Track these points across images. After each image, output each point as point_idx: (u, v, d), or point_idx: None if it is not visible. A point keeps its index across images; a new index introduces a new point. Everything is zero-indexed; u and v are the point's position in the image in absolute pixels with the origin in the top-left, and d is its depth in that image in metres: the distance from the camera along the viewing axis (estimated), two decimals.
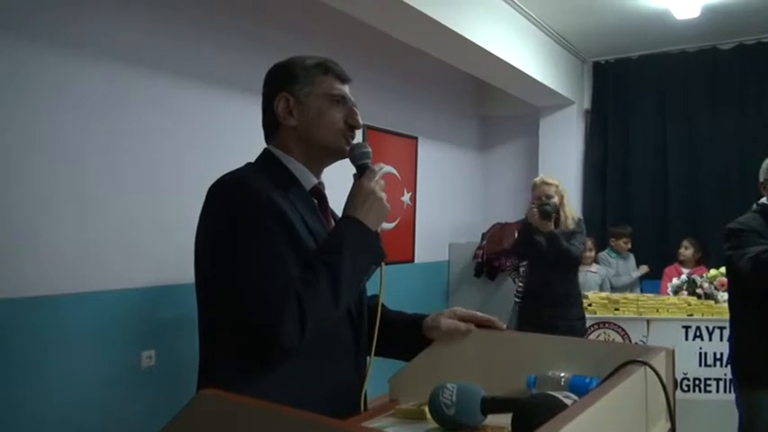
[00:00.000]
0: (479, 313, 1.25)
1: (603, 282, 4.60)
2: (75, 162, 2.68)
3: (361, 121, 1.24)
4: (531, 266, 3.55)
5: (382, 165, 1.22)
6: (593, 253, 4.64)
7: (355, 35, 4.09)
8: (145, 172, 2.96)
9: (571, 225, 3.35)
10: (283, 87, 1.21)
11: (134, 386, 2.88)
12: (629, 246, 4.84)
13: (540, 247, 3.25)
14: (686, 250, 4.63)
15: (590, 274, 4.53)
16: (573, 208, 3.51)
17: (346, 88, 1.24)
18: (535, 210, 3.27)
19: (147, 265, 2.95)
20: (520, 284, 4.53)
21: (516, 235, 3.80)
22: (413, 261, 5.04)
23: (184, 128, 3.14)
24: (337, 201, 1.27)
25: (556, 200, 3.32)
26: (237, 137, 3.29)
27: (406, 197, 4.99)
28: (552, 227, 3.26)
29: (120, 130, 2.85)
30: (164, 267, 2.98)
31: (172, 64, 3.08)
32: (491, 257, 5.28)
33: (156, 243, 2.97)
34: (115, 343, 2.81)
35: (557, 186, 3.37)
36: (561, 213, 3.36)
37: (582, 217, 3.46)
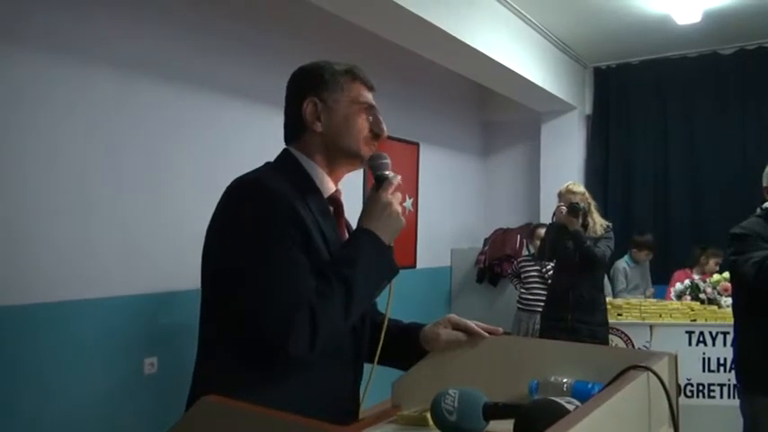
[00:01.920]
0: (471, 324, 1.24)
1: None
2: (77, 168, 2.69)
3: (386, 130, 1.23)
4: (558, 269, 3.57)
5: (399, 176, 1.21)
6: None
7: (356, 41, 4.10)
8: (147, 178, 2.96)
9: (600, 231, 3.37)
10: (312, 91, 1.20)
11: (136, 393, 2.88)
12: (651, 257, 4.74)
13: (568, 250, 3.27)
14: (716, 266, 4.38)
15: None
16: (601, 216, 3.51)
17: (371, 96, 1.24)
18: (563, 207, 3.30)
19: (149, 272, 2.95)
20: (522, 290, 4.53)
21: (543, 236, 3.77)
22: (415, 267, 5.04)
23: (187, 133, 3.15)
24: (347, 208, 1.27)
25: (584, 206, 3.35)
26: (241, 143, 3.30)
27: (408, 203, 5.00)
28: (579, 225, 3.28)
29: (122, 135, 2.86)
30: (166, 274, 2.98)
31: (174, 69, 3.10)
32: (493, 263, 5.27)
33: (158, 249, 2.97)
34: (117, 350, 2.81)
35: (582, 194, 3.39)
36: (589, 220, 3.37)
37: (611, 224, 3.46)
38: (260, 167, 1.19)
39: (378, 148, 1.23)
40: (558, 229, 3.38)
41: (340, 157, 1.21)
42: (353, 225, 1.20)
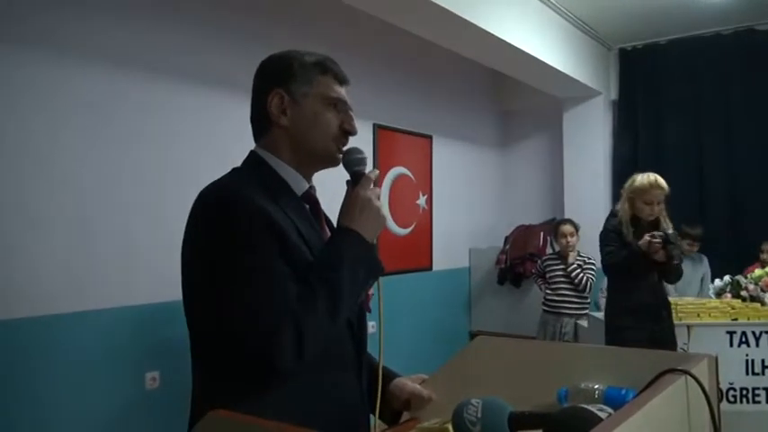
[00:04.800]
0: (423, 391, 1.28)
1: None
2: (72, 174, 2.72)
3: (356, 128, 1.24)
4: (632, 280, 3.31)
5: (377, 171, 1.22)
6: None
7: (363, 28, 4.11)
8: (145, 183, 2.98)
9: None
10: (279, 83, 1.20)
11: (138, 409, 2.90)
12: (696, 249, 4.62)
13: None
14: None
15: None
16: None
17: (344, 91, 1.24)
18: (657, 242, 3.04)
19: (150, 280, 2.97)
20: (548, 291, 4.51)
21: (611, 254, 3.31)
22: (430, 269, 5.03)
23: (187, 137, 3.17)
24: (328, 206, 1.29)
25: (671, 232, 3.13)
26: (241, 145, 3.30)
27: (422, 200, 4.99)
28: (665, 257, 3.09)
29: (117, 138, 2.88)
30: (168, 282, 2.97)
31: (172, 69, 3.12)
32: (515, 263, 5.25)
33: (157, 257, 2.99)
34: (117, 364, 2.84)
35: (666, 192, 3.18)
36: (662, 223, 3.22)
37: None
38: (226, 174, 1.20)
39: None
40: (638, 254, 3.10)
41: (307, 154, 1.22)
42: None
